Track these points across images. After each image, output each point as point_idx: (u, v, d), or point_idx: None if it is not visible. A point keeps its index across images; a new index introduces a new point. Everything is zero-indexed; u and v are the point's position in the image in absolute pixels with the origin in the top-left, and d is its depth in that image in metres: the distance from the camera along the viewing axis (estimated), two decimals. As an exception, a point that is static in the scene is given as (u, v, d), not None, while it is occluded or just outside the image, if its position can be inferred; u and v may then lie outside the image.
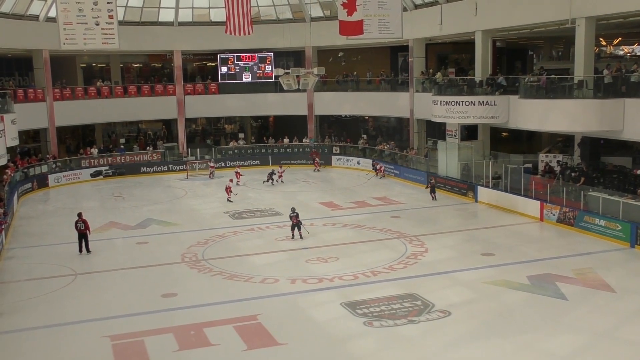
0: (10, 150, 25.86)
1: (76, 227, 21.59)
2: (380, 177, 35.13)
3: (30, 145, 39.04)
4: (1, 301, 17.06)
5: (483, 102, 28.48)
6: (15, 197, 29.42)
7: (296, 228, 22.64)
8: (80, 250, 21.50)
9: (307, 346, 13.88)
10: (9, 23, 33.26)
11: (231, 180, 31.07)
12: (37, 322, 15.67)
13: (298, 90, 30.16)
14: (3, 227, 22.87)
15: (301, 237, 22.48)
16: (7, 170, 30.04)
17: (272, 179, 33.91)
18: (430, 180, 30.00)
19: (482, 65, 30.65)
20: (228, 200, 29.64)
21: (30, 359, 13.59)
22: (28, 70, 38.47)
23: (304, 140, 41.59)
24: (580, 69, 25.07)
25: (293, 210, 22.81)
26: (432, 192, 29.07)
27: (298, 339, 14.16)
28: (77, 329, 15.19)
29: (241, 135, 44.02)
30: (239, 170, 34.70)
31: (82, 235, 21.52)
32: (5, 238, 23.08)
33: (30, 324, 15.53)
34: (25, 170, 33.95)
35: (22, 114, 30.92)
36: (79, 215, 21.86)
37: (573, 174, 24.80)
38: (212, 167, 37.13)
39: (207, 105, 41.67)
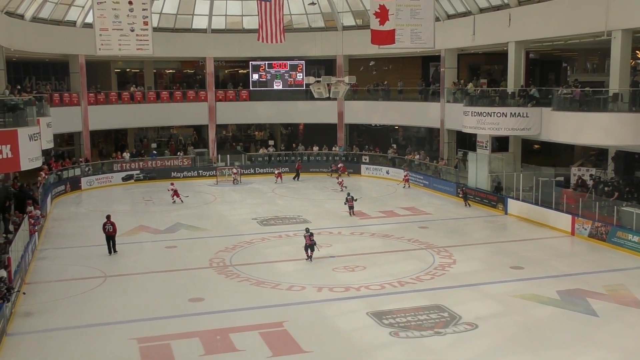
0: (45, 152, 26.30)
1: (104, 229, 22.03)
2: (404, 187, 34.96)
3: (65, 148, 39.73)
4: (32, 301, 17.34)
5: (515, 113, 28.19)
6: (49, 199, 29.95)
7: (309, 249, 21.14)
8: (110, 252, 21.91)
9: (332, 355, 13.85)
10: (47, 28, 33.96)
11: (172, 183, 32.16)
12: (66, 322, 15.91)
13: (328, 99, 30.23)
14: (37, 228, 23.28)
15: (310, 260, 21.00)
16: (41, 173, 30.60)
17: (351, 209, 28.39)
18: (462, 186, 30.49)
19: (514, 76, 30.37)
20: (173, 201, 31.05)
21: (59, 359, 13.75)
22: (64, 74, 39.21)
23: (334, 148, 41.63)
24: (616, 81, 24.69)
25: (307, 230, 21.67)
26: (466, 199, 29.67)
27: (323, 348, 14.14)
28: (106, 330, 15.38)
29: (271, 142, 44.23)
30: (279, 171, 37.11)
31: (110, 237, 21.97)
32: (38, 239, 23.49)
33: (59, 324, 15.77)
34: (59, 172, 34.55)
35: (58, 117, 31.49)
36: (108, 217, 22.28)
37: (606, 189, 24.41)
38: (234, 173, 37.40)
39: (237, 112, 41.97)
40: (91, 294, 18.04)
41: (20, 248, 19.41)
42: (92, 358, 13.80)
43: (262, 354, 13.76)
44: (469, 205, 29.45)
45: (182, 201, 31.14)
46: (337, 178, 36.03)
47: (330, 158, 40.77)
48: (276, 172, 38.10)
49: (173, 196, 31.25)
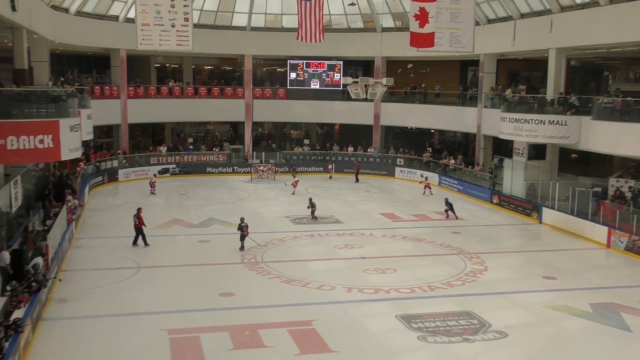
0: (84, 144, 26.83)
1: (134, 221, 22.45)
2: (424, 194, 33.68)
3: (103, 140, 40.43)
4: (67, 288, 17.72)
5: (553, 121, 27.80)
6: (86, 190, 30.54)
7: (243, 239, 22.13)
8: (134, 243, 22.23)
9: (359, 356, 13.86)
10: (91, 22, 34.59)
11: (155, 175, 33.63)
12: (99, 310, 16.24)
13: (365, 100, 30.23)
14: (74, 217, 23.76)
15: (242, 249, 21.97)
16: (80, 163, 31.21)
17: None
18: (446, 199, 28.71)
19: (554, 83, 29.93)
20: (152, 192, 32.21)
21: (91, 346, 14.06)
22: (105, 68, 39.93)
23: (369, 150, 41.59)
24: (659, 92, 24.20)
25: (242, 220, 22.56)
26: (451, 209, 27.95)
27: (351, 348, 14.16)
28: (137, 320, 15.66)
29: (306, 141, 44.40)
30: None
31: (138, 230, 22.30)
32: (75, 228, 23.97)
33: (92, 312, 16.10)
34: (97, 164, 35.20)
35: (98, 109, 32.08)
36: (138, 210, 22.62)
37: (645, 201, 23.94)
38: (262, 170, 37.66)
39: (274, 110, 42.23)
40: (124, 283, 18.36)
41: (58, 236, 19.85)
42: (123, 346, 14.05)
43: (290, 351, 13.84)
44: (450, 216, 27.92)
45: (155, 193, 32.24)
46: (294, 177, 35.36)
47: (366, 159, 40.74)
48: (329, 167, 39.04)
49: (153, 187, 32.41)
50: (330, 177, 38.74)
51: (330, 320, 15.75)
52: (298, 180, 33.92)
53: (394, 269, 20.20)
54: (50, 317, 15.53)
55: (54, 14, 29.98)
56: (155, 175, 34.25)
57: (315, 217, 27.06)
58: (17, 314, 13.71)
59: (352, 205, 30.91)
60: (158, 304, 16.74)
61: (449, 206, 28.01)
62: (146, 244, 22.29)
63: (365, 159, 40.86)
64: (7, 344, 11.95)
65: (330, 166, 39.38)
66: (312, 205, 27.12)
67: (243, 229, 22.29)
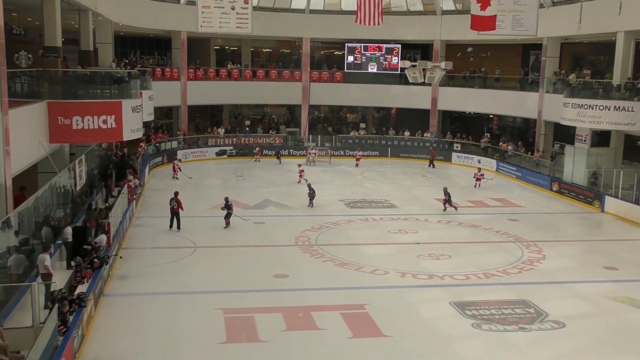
0: (145, 125, 27.43)
1: (170, 205, 22.21)
2: (475, 187, 31.23)
3: (163, 121, 41.26)
4: (128, 265, 18.26)
5: (619, 107, 26.89)
6: (147, 170, 31.28)
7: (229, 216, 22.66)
8: (170, 227, 22.14)
9: (412, 341, 13.82)
10: (153, 5, 35.21)
11: (180, 160, 32.66)
12: (157, 287, 16.68)
13: (423, 84, 29.93)
14: (135, 196, 24.39)
15: (227, 225, 22.54)
16: (141, 144, 31.95)
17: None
18: (445, 189, 26.31)
19: (621, 68, 28.91)
20: (174, 177, 31.50)
21: (150, 321, 14.46)
22: (167, 50, 40.65)
23: (425, 134, 41.15)
24: None
25: (227, 200, 22.87)
26: (449, 201, 25.91)
27: (404, 333, 14.13)
28: (193, 298, 15.99)
29: (362, 125, 44.24)
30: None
31: (175, 214, 22.11)
32: (135, 207, 24.61)
33: (151, 289, 16.55)
34: (157, 144, 35.97)
35: (159, 91, 32.66)
36: (175, 194, 22.51)
37: None
38: (311, 153, 37.66)
39: (331, 94, 42.18)
40: (181, 262, 18.78)
41: (119, 214, 20.41)
42: (179, 324, 14.38)
43: (342, 334, 13.92)
44: (446, 208, 25.98)
45: (177, 178, 31.52)
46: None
47: (422, 144, 40.34)
48: (358, 154, 37.85)
49: (176, 171, 31.82)
50: (357, 166, 36.87)
51: (383, 304, 15.74)
52: (303, 170, 31.92)
53: (449, 255, 20.01)
54: (112, 293, 16.04)
55: (118, -3, 30.64)
56: (180, 160, 33.21)
57: (312, 203, 26.16)
58: (81, 288, 14.21)
59: (407, 190, 30.71)
60: (214, 284, 17.07)
61: (448, 196, 25.90)
62: (179, 228, 22.06)
63: (421, 144, 40.45)
64: (71, 318, 12.40)
65: (360, 153, 38.04)
66: (311, 191, 26.27)
67: (230, 207, 22.64)
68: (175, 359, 12.64)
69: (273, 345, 13.35)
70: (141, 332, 13.91)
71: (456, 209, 26.08)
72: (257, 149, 38.47)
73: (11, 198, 14.72)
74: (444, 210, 25.99)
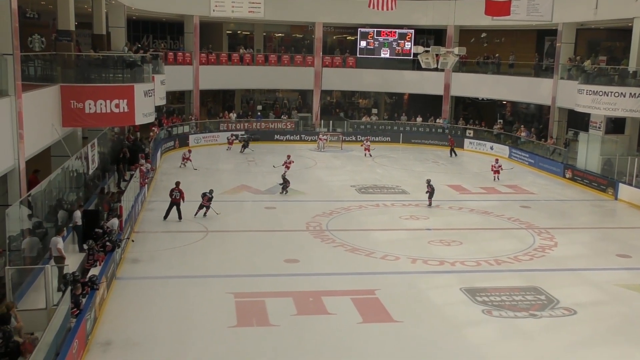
0: (157, 109, 27.47)
1: (171, 195, 21.41)
2: (494, 180, 29.56)
3: (175, 105, 41.32)
4: (140, 249, 18.37)
5: (635, 94, 26.61)
6: (159, 154, 31.37)
7: (205, 208, 21.85)
8: (165, 218, 21.39)
9: (422, 327, 13.84)
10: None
11: (190, 151, 31.08)
12: (169, 271, 16.77)
13: (436, 70, 29.74)
14: (147, 180, 24.49)
15: (204, 215, 21.75)
16: (153, 128, 32.02)
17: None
18: (428, 181, 24.79)
19: (637, 54, 28.55)
20: (182, 165, 30.27)
21: (162, 305, 14.56)
22: (179, 34, 40.61)
23: (438, 120, 40.95)
24: None
25: (211, 192, 22.01)
26: (430, 195, 24.50)
27: (414, 319, 14.16)
28: (205, 282, 16.09)
29: (374, 110, 44.08)
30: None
31: (175, 204, 21.34)
32: (147, 191, 24.72)
33: (163, 273, 16.65)
34: (169, 129, 36.05)
35: (171, 75, 32.69)
36: (177, 184, 21.79)
37: None
38: (322, 139, 37.54)
39: (343, 79, 42.02)
40: (193, 247, 18.87)
41: (131, 198, 20.50)
42: (191, 307, 14.49)
43: (352, 319, 13.96)
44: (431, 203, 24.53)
45: (184, 166, 30.26)
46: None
47: (434, 130, 40.17)
48: (366, 144, 35.83)
49: (184, 160, 30.46)
50: (366, 155, 35.34)
51: (393, 290, 15.75)
52: (292, 162, 29.82)
53: (460, 241, 19.97)
54: (124, 277, 16.15)
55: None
56: (189, 151, 31.40)
57: (286, 191, 25.61)
58: (93, 271, 14.33)
59: (419, 176, 30.56)
60: (225, 268, 17.15)
61: (431, 189, 24.43)
62: (180, 219, 21.40)
63: (433, 130, 40.28)
64: (84, 300, 12.51)
65: (368, 142, 36.01)
66: (284, 182, 25.71)
67: (204, 199, 21.86)
68: (186, 342, 12.72)
69: (283, 329, 13.40)
70: (152, 315, 14.01)
71: (430, 205, 24.40)
72: (232, 136, 36.75)
73: (25, 181, 14.83)
74: (428, 205, 24.45)
